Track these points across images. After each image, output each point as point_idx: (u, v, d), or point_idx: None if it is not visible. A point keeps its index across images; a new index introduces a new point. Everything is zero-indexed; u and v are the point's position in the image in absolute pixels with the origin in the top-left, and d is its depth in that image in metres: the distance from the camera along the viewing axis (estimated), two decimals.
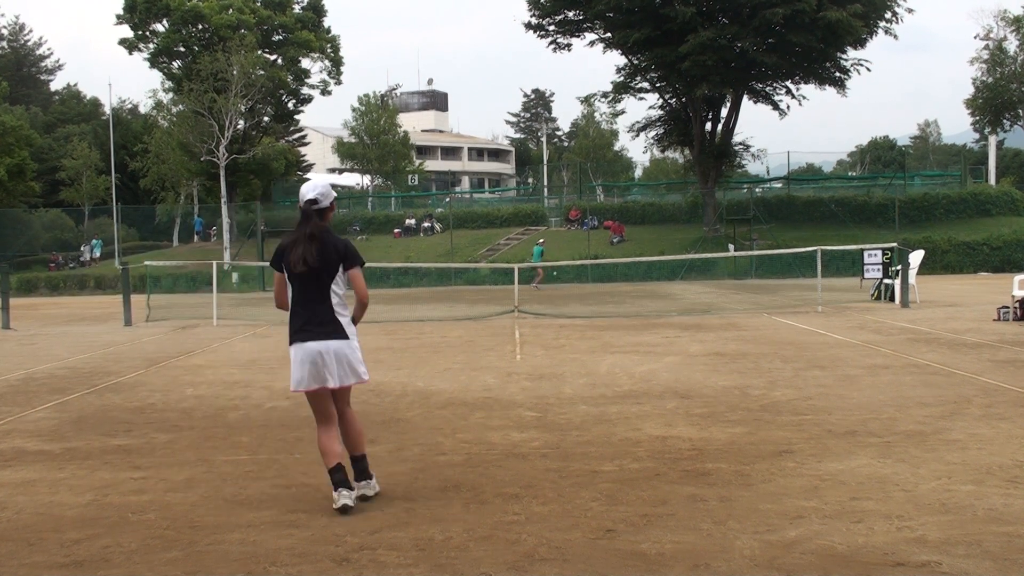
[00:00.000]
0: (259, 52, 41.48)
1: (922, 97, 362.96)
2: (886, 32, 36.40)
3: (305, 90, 46.82)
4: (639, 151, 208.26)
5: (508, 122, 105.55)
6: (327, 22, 46.95)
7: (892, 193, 41.50)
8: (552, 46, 40.50)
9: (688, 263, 32.50)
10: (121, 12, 42.68)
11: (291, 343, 4.88)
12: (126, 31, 43.50)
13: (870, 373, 9.15)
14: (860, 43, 36.07)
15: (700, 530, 4.31)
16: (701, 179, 39.84)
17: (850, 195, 42.51)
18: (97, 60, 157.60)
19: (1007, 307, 14.28)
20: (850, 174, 64.21)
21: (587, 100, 58.67)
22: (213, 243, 44.33)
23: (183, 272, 33.90)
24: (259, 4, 44.21)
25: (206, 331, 16.13)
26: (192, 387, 9.30)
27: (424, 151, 77.73)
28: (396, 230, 43.90)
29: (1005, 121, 40.50)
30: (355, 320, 4.98)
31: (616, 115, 60.31)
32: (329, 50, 45.59)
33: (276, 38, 44.80)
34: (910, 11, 36.43)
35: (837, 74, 37.84)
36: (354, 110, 56.33)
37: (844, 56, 37.11)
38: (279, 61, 44.56)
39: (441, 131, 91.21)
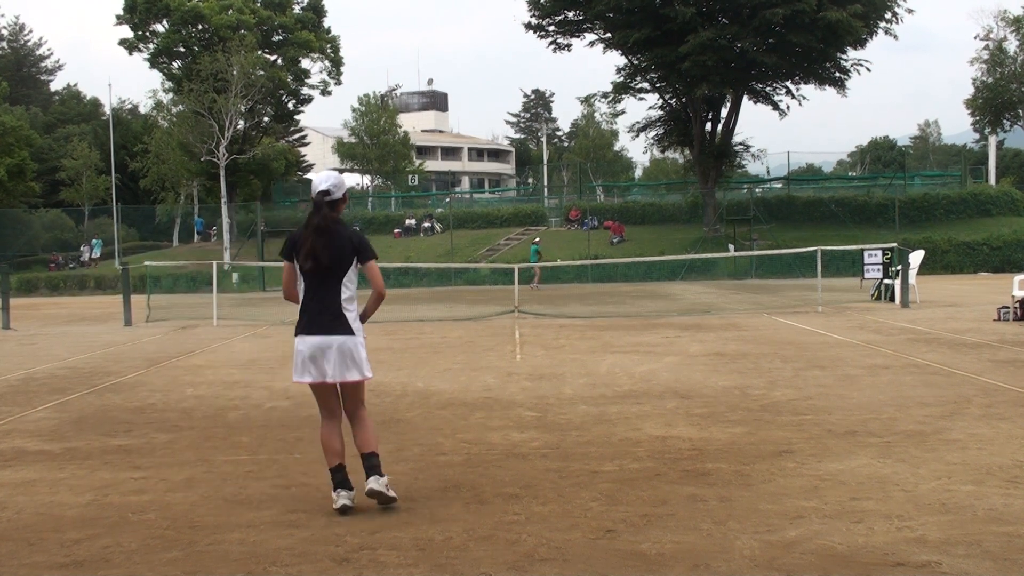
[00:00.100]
0: (259, 52, 41.50)
1: (922, 97, 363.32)
2: (886, 32, 36.43)
3: (305, 90, 46.88)
4: (639, 151, 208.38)
5: (508, 122, 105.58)
6: (327, 22, 47.04)
7: (892, 193, 41.51)
8: (552, 46, 40.56)
9: (688, 263, 32.50)
10: (121, 12, 42.72)
11: (296, 334, 4.83)
12: (126, 31, 43.58)
13: (870, 373, 9.15)
14: (860, 43, 36.08)
15: (700, 530, 4.31)
16: (701, 179, 39.85)
17: (850, 195, 42.51)
18: (97, 60, 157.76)
19: (1007, 307, 14.28)
20: (850, 174, 64.22)
21: (587, 100, 58.71)
22: (213, 243, 44.35)
23: (183, 272, 33.90)
24: (259, 4, 44.23)
25: (206, 331, 16.13)
26: (192, 387, 9.30)
27: (424, 151, 77.72)
28: (396, 230, 43.92)
29: (1005, 121, 40.51)
30: (369, 313, 4.91)
31: (616, 115, 60.39)
32: (329, 50, 45.61)
33: (276, 38, 44.82)
34: (910, 11, 36.48)
35: (837, 74, 37.85)
36: (354, 110, 56.37)
37: (844, 56, 37.13)
38: (279, 61, 44.57)
39: (441, 131, 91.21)
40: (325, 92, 46.73)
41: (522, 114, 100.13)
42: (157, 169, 48.11)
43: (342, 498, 4.70)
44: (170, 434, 6.90)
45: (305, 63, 45.64)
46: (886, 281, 19.12)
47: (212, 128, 39.01)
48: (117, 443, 6.61)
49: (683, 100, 39.12)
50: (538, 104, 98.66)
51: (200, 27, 42.39)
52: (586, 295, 25.19)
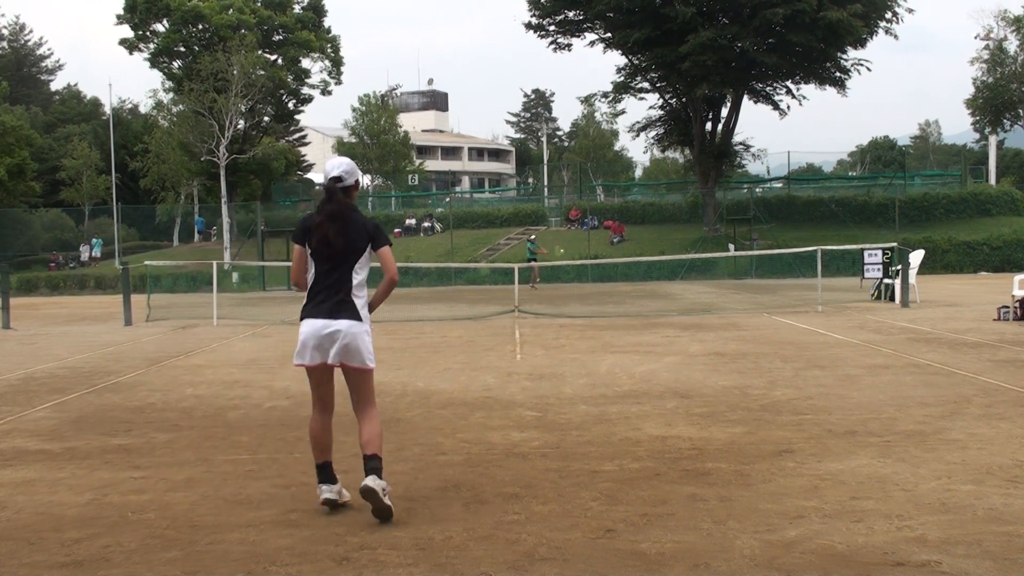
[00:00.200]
0: (259, 52, 41.50)
1: (922, 97, 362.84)
2: (886, 32, 36.43)
3: (305, 90, 46.88)
4: (639, 151, 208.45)
5: (508, 122, 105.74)
6: (327, 22, 47.05)
7: (892, 193, 41.51)
8: (552, 46, 40.55)
9: (688, 263, 32.50)
10: (121, 12, 42.72)
11: (302, 318, 4.72)
12: (126, 31, 43.58)
13: (870, 373, 9.15)
14: (860, 43, 36.08)
15: (700, 530, 4.30)
16: (701, 179, 39.85)
17: (850, 195, 42.51)
18: (97, 60, 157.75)
19: (1007, 307, 14.28)
20: (850, 174, 64.23)
21: (587, 100, 58.77)
22: (213, 243, 44.36)
23: (183, 272, 33.90)
24: (259, 4, 44.24)
25: (206, 331, 16.13)
26: (192, 387, 9.30)
27: (424, 151, 77.77)
28: (396, 230, 43.92)
29: (1005, 121, 40.49)
30: (380, 298, 4.83)
31: (616, 115, 60.43)
32: (329, 50, 45.62)
33: (276, 38, 44.82)
34: (910, 11, 36.47)
35: (837, 74, 37.85)
36: (354, 110, 56.41)
37: (844, 56, 37.13)
38: (279, 61, 44.59)
39: (441, 131, 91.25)
40: (325, 92, 46.77)
41: (522, 114, 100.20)
42: (157, 169, 48.13)
43: (326, 492, 4.68)
44: (170, 434, 6.90)
45: (305, 63, 45.69)
46: (886, 281, 19.12)
47: (212, 128, 39.01)
48: (117, 443, 6.61)
49: (683, 100, 39.12)
50: (538, 104, 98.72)
51: (200, 27, 42.40)
52: (586, 295, 25.19)
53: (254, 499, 5.02)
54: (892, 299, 18.56)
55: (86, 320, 20.03)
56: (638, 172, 73.64)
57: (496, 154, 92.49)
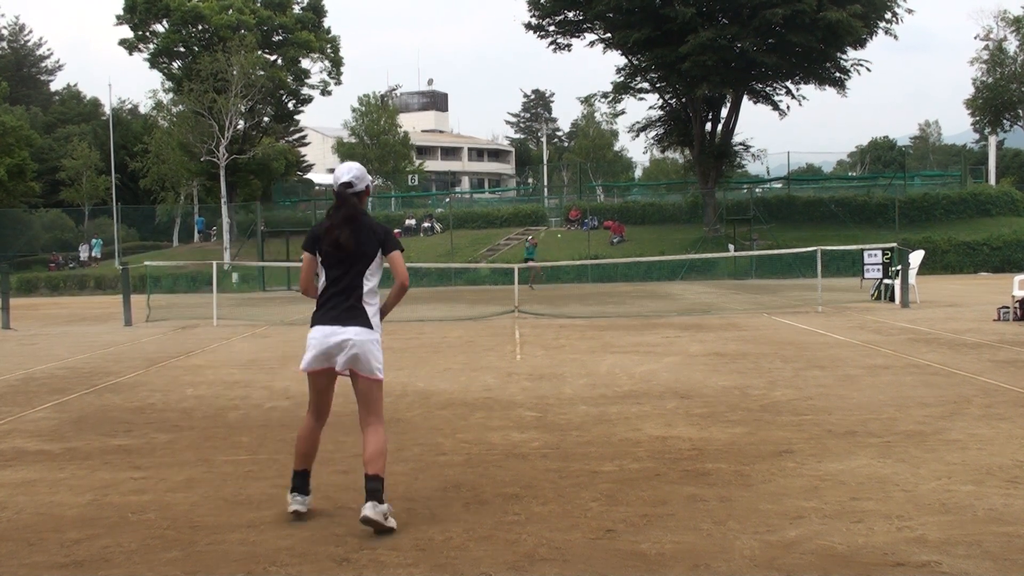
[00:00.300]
0: (259, 52, 41.53)
1: (922, 97, 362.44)
2: (886, 32, 36.46)
3: (305, 90, 46.92)
4: (639, 151, 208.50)
5: (508, 122, 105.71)
6: (327, 22, 47.10)
7: (892, 193, 41.53)
8: (552, 46, 40.60)
9: (688, 263, 32.50)
10: (121, 12, 42.76)
11: (311, 325, 4.64)
12: (126, 31, 43.61)
13: (870, 373, 9.15)
14: (860, 43, 36.10)
15: (700, 530, 4.30)
16: (701, 179, 39.86)
17: (850, 195, 42.55)
18: (97, 60, 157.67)
19: (1007, 307, 14.28)
20: (850, 174, 64.28)
21: (587, 100, 58.79)
22: (213, 243, 44.37)
23: (183, 272, 33.91)
24: (259, 4, 44.26)
25: (206, 331, 16.13)
26: (192, 387, 9.30)
27: (424, 151, 77.78)
28: (396, 230, 43.30)
29: (1005, 121, 40.53)
30: (391, 304, 4.76)
31: (616, 115, 60.45)
32: (329, 50, 45.65)
33: (276, 38, 44.85)
34: (910, 11, 36.51)
35: (837, 74, 37.87)
36: (354, 110, 56.41)
37: (844, 56, 37.16)
38: (279, 61, 44.61)
39: (441, 131, 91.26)
40: (325, 92, 46.79)
41: (522, 114, 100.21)
42: (157, 169, 48.15)
43: (295, 503, 4.59)
44: (170, 434, 6.90)
45: (305, 63, 45.73)
46: (886, 281, 19.12)
47: (212, 128, 39.03)
48: (117, 443, 6.61)
49: (683, 100, 39.13)
50: (538, 104, 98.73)
51: (200, 27, 42.42)
52: (586, 295, 25.20)
53: (254, 499, 5.02)
54: (892, 299, 18.56)
55: (86, 320, 20.02)
56: (638, 172, 73.68)
57: (496, 154, 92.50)
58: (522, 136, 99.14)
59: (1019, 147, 67.18)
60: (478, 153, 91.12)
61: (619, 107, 63.96)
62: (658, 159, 66.31)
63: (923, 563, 3.82)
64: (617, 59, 48.21)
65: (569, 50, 41.91)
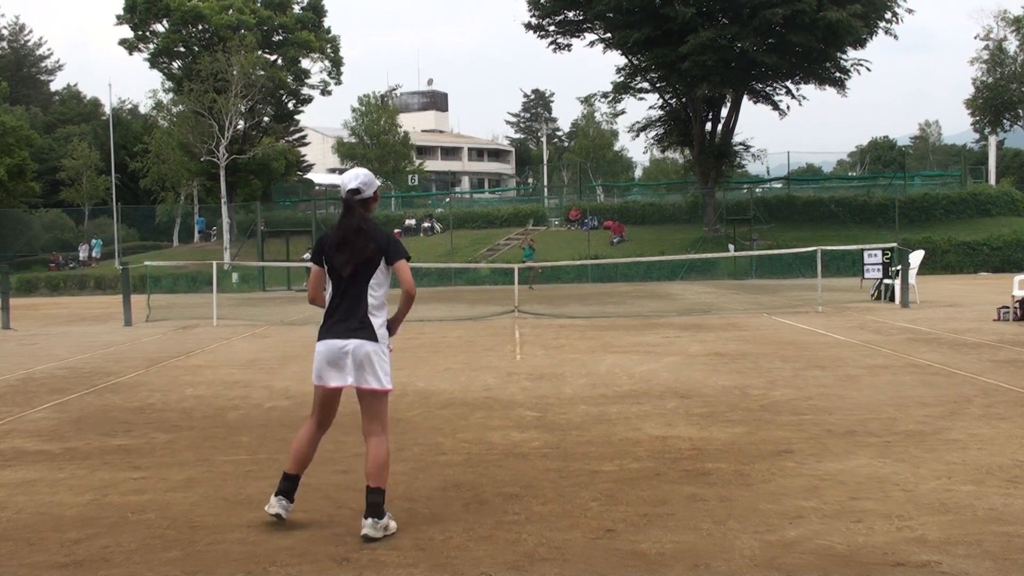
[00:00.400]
0: (259, 52, 41.53)
1: (922, 97, 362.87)
2: (886, 32, 36.45)
3: (305, 90, 46.92)
4: (639, 151, 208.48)
5: (508, 122, 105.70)
6: (327, 22, 47.10)
7: (892, 193, 41.53)
8: (552, 46, 40.59)
9: (688, 263, 32.50)
10: (121, 12, 42.76)
11: (318, 339, 4.57)
12: (126, 31, 43.62)
13: (870, 373, 9.15)
14: (860, 43, 36.10)
15: (700, 530, 4.31)
16: (701, 179, 39.86)
17: (850, 195, 42.54)
18: (97, 60, 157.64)
19: (1007, 307, 14.28)
20: (850, 174, 64.28)
21: (587, 100, 58.78)
22: (213, 243, 44.38)
23: (183, 272, 33.91)
24: (259, 4, 44.27)
25: (206, 331, 16.13)
26: (192, 387, 9.30)
27: (424, 151, 77.77)
28: (396, 230, 43.82)
29: (1005, 121, 40.54)
30: (400, 315, 4.67)
31: (616, 115, 60.43)
32: (329, 50, 45.65)
33: (276, 38, 44.86)
34: (910, 11, 36.50)
35: (837, 74, 37.87)
36: (354, 110, 56.41)
37: (844, 56, 37.15)
38: (279, 61, 44.61)
39: (441, 131, 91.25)
40: (325, 92, 46.79)
41: (522, 114, 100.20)
42: (157, 169, 48.14)
43: (279, 506, 4.50)
44: (170, 434, 6.90)
45: (305, 63, 45.73)
46: (886, 281, 19.12)
47: (212, 128, 39.03)
48: (117, 443, 6.61)
49: (683, 100, 39.13)
50: (538, 104, 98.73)
51: (200, 27, 42.43)
52: (586, 295, 25.20)
53: (254, 499, 5.01)
54: (892, 299, 18.56)
55: (86, 320, 20.02)
56: (638, 172, 73.73)
57: (496, 154, 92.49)
58: (522, 136, 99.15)
59: (1019, 147, 67.18)
60: (478, 153, 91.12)
61: (619, 107, 63.99)
62: (658, 159, 66.35)
63: (923, 563, 3.82)
64: (617, 59, 48.28)
65: (569, 50, 41.95)
